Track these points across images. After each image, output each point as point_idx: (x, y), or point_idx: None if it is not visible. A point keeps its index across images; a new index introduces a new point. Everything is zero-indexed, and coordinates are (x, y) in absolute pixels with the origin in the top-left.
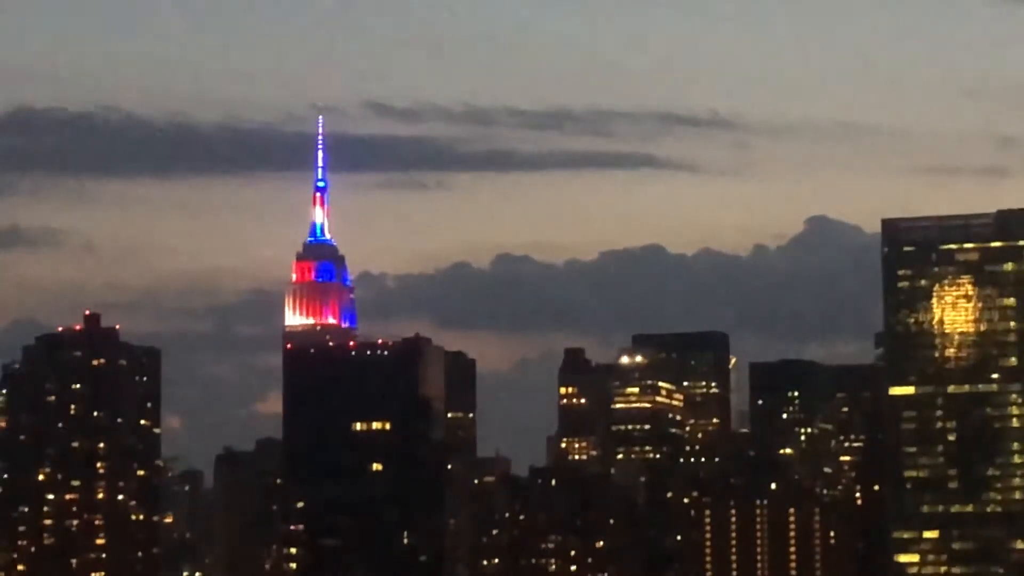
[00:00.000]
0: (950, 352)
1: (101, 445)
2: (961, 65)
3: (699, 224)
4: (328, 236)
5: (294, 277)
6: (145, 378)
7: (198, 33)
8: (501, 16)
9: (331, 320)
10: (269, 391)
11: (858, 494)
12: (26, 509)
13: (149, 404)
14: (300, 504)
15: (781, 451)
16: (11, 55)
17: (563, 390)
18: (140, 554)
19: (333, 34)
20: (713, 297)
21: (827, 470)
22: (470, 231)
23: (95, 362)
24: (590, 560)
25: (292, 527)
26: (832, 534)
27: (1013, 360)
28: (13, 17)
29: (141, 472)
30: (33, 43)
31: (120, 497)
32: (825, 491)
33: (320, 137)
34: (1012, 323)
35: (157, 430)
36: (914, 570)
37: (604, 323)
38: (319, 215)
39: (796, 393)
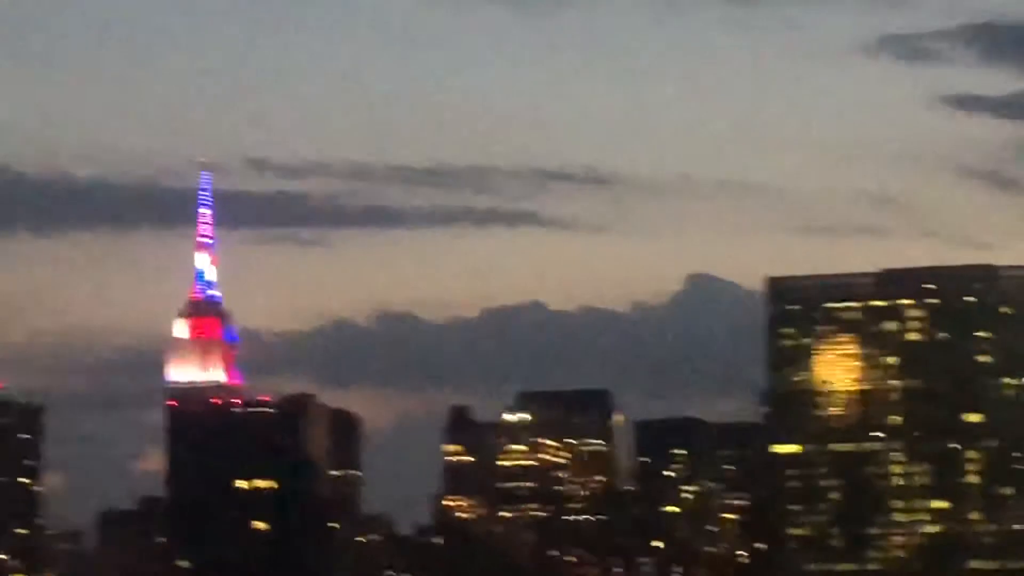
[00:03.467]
0: (833, 410)
1: None
2: (840, 125)
3: (579, 281)
4: (214, 292)
5: (178, 333)
6: (27, 436)
7: (80, 88)
8: (381, 73)
9: (215, 377)
10: (151, 449)
11: (742, 552)
12: None
13: (30, 462)
14: (183, 563)
15: (666, 508)
16: None
17: (448, 448)
18: None
19: (215, 90)
20: (595, 354)
21: (711, 528)
22: (351, 288)
23: None
24: None
25: None
26: None
27: (895, 419)
28: None
29: (21, 531)
30: None
31: (0, 556)
32: (709, 549)
33: (205, 193)
34: (894, 382)
35: (38, 488)
36: None
37: (488, 380)
38: (207, 270)
39: (681, 451)
